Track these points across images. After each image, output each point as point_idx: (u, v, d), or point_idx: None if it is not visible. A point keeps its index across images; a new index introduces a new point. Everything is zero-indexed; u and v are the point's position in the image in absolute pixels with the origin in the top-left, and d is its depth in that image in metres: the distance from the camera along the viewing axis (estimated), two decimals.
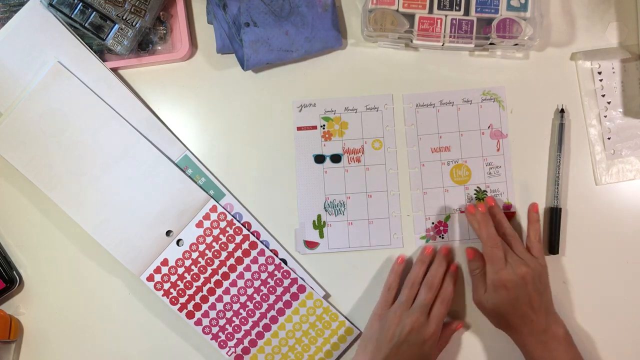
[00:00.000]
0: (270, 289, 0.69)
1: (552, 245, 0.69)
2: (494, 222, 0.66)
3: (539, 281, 0.63)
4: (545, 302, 0.64)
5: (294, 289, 0.69)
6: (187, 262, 0.69)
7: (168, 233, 0.69)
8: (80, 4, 0.67)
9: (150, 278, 0.69)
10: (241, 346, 0.69)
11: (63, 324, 0.70)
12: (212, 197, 0.70)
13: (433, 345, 0.63)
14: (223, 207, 0.70)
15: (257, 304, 0.69)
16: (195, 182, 0.70)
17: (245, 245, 0.70)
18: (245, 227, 0.70)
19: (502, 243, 0.64)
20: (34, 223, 0.71)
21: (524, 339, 0.63)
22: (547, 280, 0.65)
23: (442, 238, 0.71)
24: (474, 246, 0.69)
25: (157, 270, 0.69)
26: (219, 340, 0.69)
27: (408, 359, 0.62)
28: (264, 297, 0.69)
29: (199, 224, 0.69)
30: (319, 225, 0.71)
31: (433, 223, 0.71)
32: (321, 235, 0.71)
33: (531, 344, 0.62)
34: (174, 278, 0.69)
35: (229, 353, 0.68)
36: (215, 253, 0.69)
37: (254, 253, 0.70)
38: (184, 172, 0.70)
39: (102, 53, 0.71)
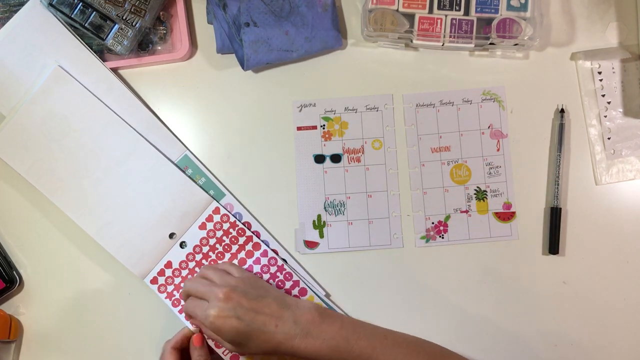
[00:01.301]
0: None
1: (552, 245, 0.69)
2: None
3: (252, 288, 0.59)
4: (274, 300, 0.59)
5: (295, 292, 0.69)
6: (191, 265, 0.69)
7: (171, 235, 0.69)
8: (80, 4, 0.67)
9: (154, 281, 0.69)
10: None
11: (63, 324, 0.70)
12: (213, 197, 0.70)
13: None
14: (225, 209, 0.70)
15: None
16: (195, 182, 0.70)
17: (249, 247, 0.70)
18: (245, 227, 0.70)
19: (189, 299, 0.61)
20: (34, 223, 0.71)
21: (287, 342, 0.57)
22: (262, 283, 0.61)
23: (442, 238, 0.71)
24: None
25: (161, 272, 0.69)
26: None
27: None
28: None
29: (202, 226, 0.69)
30: (319, 225, 0.71)
31: (433, 223, 0.71)
32: (321, 235, 0.71)
33: (297, 343, 0.57)
34: (177, 280, 0.69)
35: (225, 353, 0.68)
36: (219, 255, 0.69)
37: (256, 254, 0.70)
38: (185, 174, 0.70)
39: (102, 53, 0.71)
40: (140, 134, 0.69)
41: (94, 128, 0.68)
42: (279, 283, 0.69)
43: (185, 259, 0.69)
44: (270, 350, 0.58)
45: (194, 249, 0.69)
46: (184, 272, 0.69)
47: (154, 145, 0.69)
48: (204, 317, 0.58)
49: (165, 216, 0.69)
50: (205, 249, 0.69)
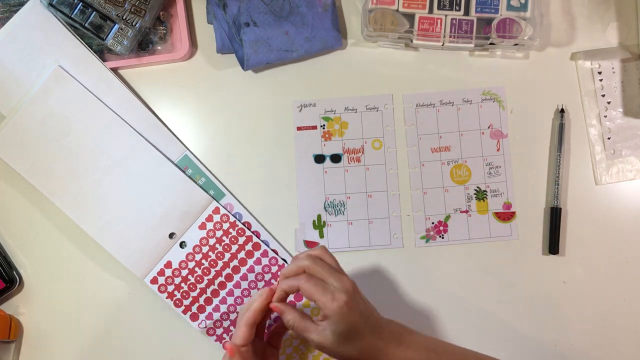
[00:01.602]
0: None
1: (552, 245, 0.69)
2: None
3: (359, 292, 0.57)
4: (374, 310, 0.58)
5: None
6: (191, 264, 0.69)
7: (171, 235, 0.69)
8: (80, 4, 0.67)
9: (154, 280, 0.69)
10: None
11: (63, 324, 0.70)
12: (213, 197, 0.70)
13: None
14: (225, 209, 0.70)
15: None
16: (195, 182, 0.70)
17: (249, 247, 0.70)
18: (245, 227, 0.70)
19: (309, 275, 0.56)
20: (34, 223, 0.71)
21: (385, 351, 0.56)
22: (355, 290, 0.57)
23: (442, 238, 0.71)
24: (276, 304, 0.58)
25: (161, 272, 0.69)
26: (223, 341, 0.69)
27: None
28: None
29: (202, 226, 0.69)
30: (319, 225, 0.71)
31: (433, 223, 0.71)
32: (321, 235, 0.71)
33: (394, 352, 0.56)
34: (177, 280, 0.69)
35: None
36: (219, 255, 0.69)
37: (257, 254, 0.70)
38: (185, 174, 0.70)
39: (102, 53, 0.71)
40: (140, 134, 0.69)
41: (94, 128, 0.68)
42: None
43: (185, 259, 0.69)
44: (362, 356, 0.56)
45: (193, 249, 0.69)
46: (184, 272, 0.69)
47: (154, 145, 0.69)
48: (330, 298, 0.54)
49: (165, 216, 0.69)
50: (205, 249, 0.69)
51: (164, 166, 0.69)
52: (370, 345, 0.55)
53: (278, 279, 0.63)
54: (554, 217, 0.70)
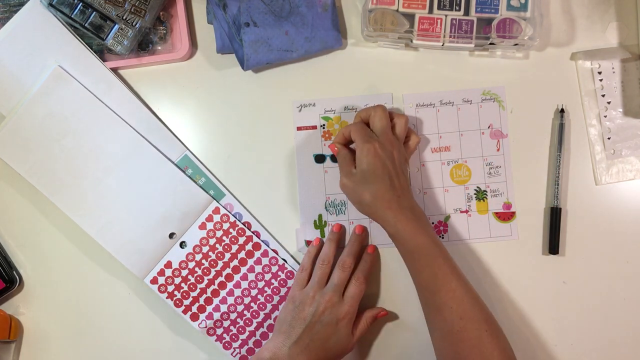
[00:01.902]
0: (274, 289, 0.70)
1: (552, 245, 0.69)
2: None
3: (401, 154, 0.65)
4: (406, 179, 0.64)
5: None
6: (191, 264, 0.69)
7: (171, 235, 0.69)
8: (80, 4, 0.67)
9: (154, 281, 0.69)
10: (246, 347, 0.69)
11: (63, 324, 0.70)
12: (213, 197, 0.70)
13: (348, 325, 0.63)
14: (225, 209, 0.70)
15: (261, 305, 0.69)
16: (195, 182, 0.70)
17: (249, 247, 0.70)
18: (245, 227, 0.70)
19: (362, 123, 0.66)
20: (34, 223, 0.71)
21: (395, 215, 0.61)
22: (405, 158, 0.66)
23: (442, 238, 0.71)
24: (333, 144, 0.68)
25: (161, 272, 0.69)
26: (223, 341, 0.69)
27: (322, 339, 0.61)
28: (268, 298, 0.69)
29: (202, 226, 0.69)
30: (320, 224, 0.71)
31: (433, 223, 0.71)
32: (322, 235, 0.71)
33: (403, 221, 0.61)
34: (177, 280, 0.69)
35: (234, 354, 0.68)
36: (219, 255, 0.69)
37: (257, 254, 0.70)
38: (185, 174, 0.70)
39: (102, 53, 0.70)
40: (140, 134, 0.69)
41: (94, 128, 0.68)
42: (281, 282, 0.69)
43: (185, 259, 0.69)
44: (377, 202, 0.62)
45: (193, 249, 0.69)
46: (184, 272, 0.69)
47: (154, 145, 0.69)
48: (365, 140, 0.62)
49: (165, 216, 0.69)
50: (205, 249, 0.69)
51: (164, 166, 0.69)
52: (383, 194, 0.61)
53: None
54: (554, 217, 0.70)
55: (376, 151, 0.62)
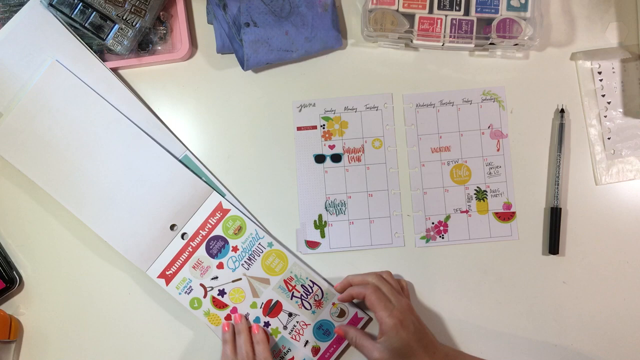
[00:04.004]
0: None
1: (552, 245, 0.69)
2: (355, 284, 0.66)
3: (414, 312, 0.63)
4: (428, 330, 0.63)
5: None
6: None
7: (172, 227, 0.69)
8: (80, 4, 0.67)
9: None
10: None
11: (63, 324, 0.70)
12: (213, 188, 0.70)
13: None
14: (229, 201, 0.70)
15: None
16: (194, 173, 0.70)
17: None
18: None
19: (376, 285, 0.64)
20: (34, 223, 0.71)
21: None
22: (409, 307, 0.63)
23: (442, 238, 0.71)
24: (339, 328, 0.67)
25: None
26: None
27: None
28: None
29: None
30: (320, 225, 0.71)
31: (433, 223, 0.71)
32: (322, 235, 0.71)
33: None
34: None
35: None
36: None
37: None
38: (185, 165, 0.70)
39: (102, 53, 0.70)
40: (138, 126, 0.69)
41: (92, 121, 0.68)
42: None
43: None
44: None
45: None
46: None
47: (152, 138, 0.69)
48: (388, 314, 0.61)
49: (165, 208, 0.69)
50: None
51: (163, 158, 0.69)
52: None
53: (341, 282, 0.68)
54: (554, 217, 0.70)
55: (403, 323, 0.60)
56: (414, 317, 0.62)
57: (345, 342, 0.69)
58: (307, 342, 0.69)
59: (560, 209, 0.70)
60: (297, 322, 0.69)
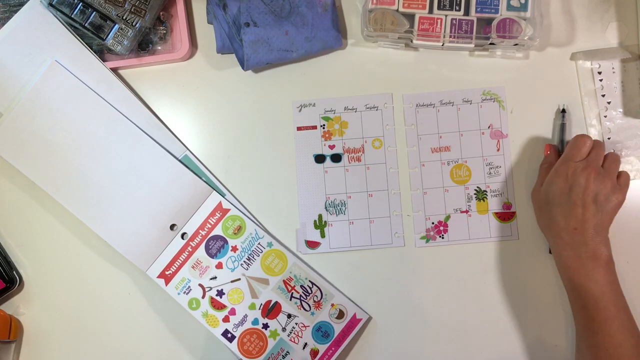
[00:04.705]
0: None
1: None
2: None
3: (604, 198, 0.62)
4: (598, 219, 0.62)
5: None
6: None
7: (172, 227, 0.69)
8: (80, 4, 0.67)
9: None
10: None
11: (63, 324, 0.70)
12: (213, 188, 0.70)
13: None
14: (228, 201, 0.70)
15: None
16: (195, 173, 0.70)
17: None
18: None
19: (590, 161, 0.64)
20: (34, 223, 0.71)
21: (562, 247, 0.62)
22: (614, 208, 0.63)
23: (442, 238, 0.71)
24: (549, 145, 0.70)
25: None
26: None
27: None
28: None
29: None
30: (320, 225, 0.71)
31: (433, 223, 0.71)
32: (322, 235, 0.71)
33: (567, 256, 0.62)
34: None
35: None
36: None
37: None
38: (185, 165, 0.70)
39: (102, 53, 0.70)
40: (138, 126, 0.69)
41: (92, 121, 0.68)
42: None
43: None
44: (549, 226, 0.64)
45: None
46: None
47: (152, 138, 0.69)
48: (564, 160, 0.63)
49: (165, 208, 0.69)
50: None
51: (162, 158, 0.69)
52: (557, 220, 0.62)
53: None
54: None
55: (567, 174, 0.62)
56: (592, 188, 0.61)
57: (344, 345, 0.68)
58: (305, 344, 0.69)
59: None
60: (296, 323, 0.69)
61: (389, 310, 0.70)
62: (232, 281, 0.69)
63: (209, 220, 0.70)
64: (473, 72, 0.72)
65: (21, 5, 0.67)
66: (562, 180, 0.63)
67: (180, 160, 0.70)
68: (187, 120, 0.72)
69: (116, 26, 0.68)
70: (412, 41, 0.70)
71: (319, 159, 0.72)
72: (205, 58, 0.73)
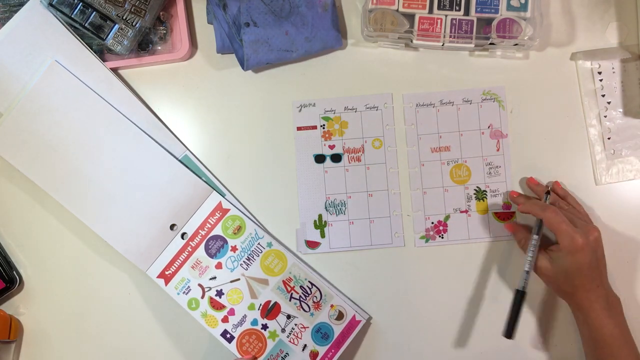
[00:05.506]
0: None
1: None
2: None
3: (601, 247, 0.64)
4: (605, 269, 0.64)
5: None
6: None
7: (172, 227, 0.69)
8: (80, 4, 0.67)
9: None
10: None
11: (63, 324, 0.70)
12: (213, 188, 0.70)
13: None
14: (228, 201, 0.70)
15: None
16: (194, 173, 0.70)
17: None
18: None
19: (557, 209, 0.64)
20: (34, 223, 0.71)
21: (590, 304, 0.62)
22: (603, 248, 0.65)
23: (442, 238, 0.71)
24: (510, 223, 0.70)
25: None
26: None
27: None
28: None
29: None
30: (320, 225, 0.71)
31: (433, 223, 0.71)
32: (322, 235, 0.71)
33: (597, 310, 0.62)
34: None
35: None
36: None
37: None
38: (185, 165, 0.70)
39: (102, 53, 0.70)
40: (138, 126, 0.69)
41: (92, 121, 0.68)
42: None
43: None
44: (574, 295, 0.63)
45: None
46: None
47: (152, 138, 0.69)
48: (571, 234, 0.61)
49: (165, 207, 0.69)
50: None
51: (162, 157, 0.69)
52: (585, 285, 0.62)
53: (520, 198, 0.69)
54: None
55: (584, 246, 0.61)
56: (599, 247, 0.63)
57: (344, 347, 0.68)
58: (305, 345, 0.69)
59: None
60: (296, 324, 0.69)
61: (389, 310, 0.70)
62: (231, 281, 0.69)
63: (209, 220, 0.70)
64: (473, 72, 0.72)
65: (21, 5, 0.67)
66: (581, 255, 0.61)
67: (180, 160, 0.70)
68: (187, 120, 0.72)
69: (116, 26, 0.68)
70: (412, 41, 0.70)
71: (319, 159, 0.72)
72: (205, 58, 0.73)
